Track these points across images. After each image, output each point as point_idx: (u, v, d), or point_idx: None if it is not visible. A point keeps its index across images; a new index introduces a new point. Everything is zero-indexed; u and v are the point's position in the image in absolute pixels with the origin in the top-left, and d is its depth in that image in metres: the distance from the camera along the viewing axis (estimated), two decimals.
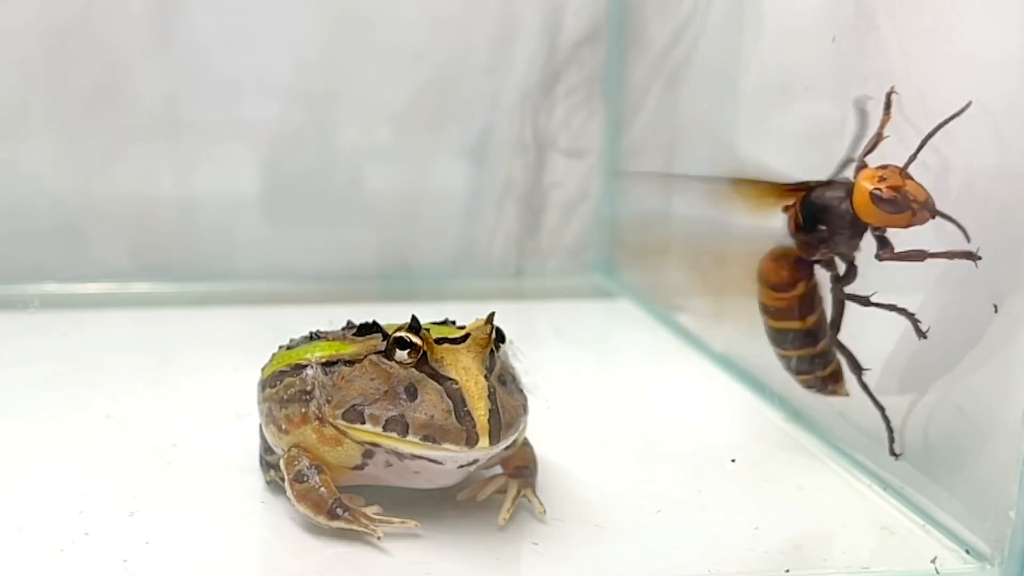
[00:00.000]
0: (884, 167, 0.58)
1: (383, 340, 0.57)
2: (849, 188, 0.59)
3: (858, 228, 0.60)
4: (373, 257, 1.08)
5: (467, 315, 0.60)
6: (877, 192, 0.57)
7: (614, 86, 1.09)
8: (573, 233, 1.13)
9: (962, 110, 0.56)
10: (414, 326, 0.56)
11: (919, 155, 0.57)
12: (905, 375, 0.64)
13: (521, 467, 0.61)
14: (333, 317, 0.65)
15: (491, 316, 0.57)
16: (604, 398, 0.83)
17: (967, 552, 0.58)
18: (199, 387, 0.79)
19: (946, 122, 0.56)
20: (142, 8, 1.00)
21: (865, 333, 0.68)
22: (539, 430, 0.64)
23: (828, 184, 0.62)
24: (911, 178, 0.57)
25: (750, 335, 0.82)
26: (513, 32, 1.07)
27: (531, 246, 1.12)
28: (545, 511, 0.59)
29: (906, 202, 0.56)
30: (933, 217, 0.56)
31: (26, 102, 0.99)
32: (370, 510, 0.57)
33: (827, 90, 0.73)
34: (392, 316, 0.61)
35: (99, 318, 0.97)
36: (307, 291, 1.04)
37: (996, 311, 0.56)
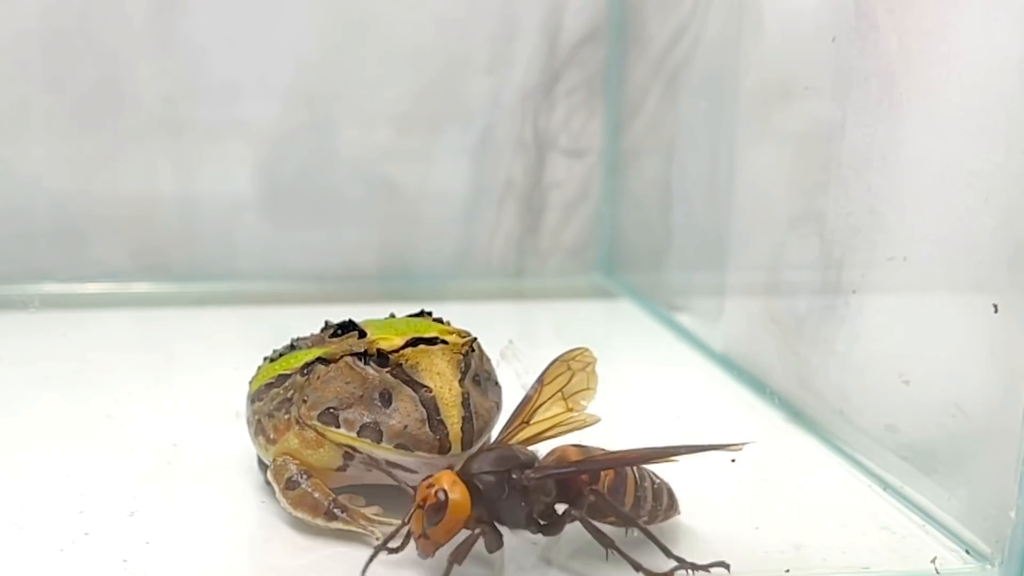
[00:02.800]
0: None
1: (360, 339, 0.57)
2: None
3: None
4: (373, 257, 1.08)
5: (467, 315, 0.60)
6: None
7: (614, 86, 1.09)
8: (573, 233, 1.13)
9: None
10: (383, 351, 0.55)
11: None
12: (905, 374, 0.64)
13: None
14: (333, 317, 0.65)
15: (473, 340, 0.58)
16: (604, 398, 0.83)
17: (967, 552, 0.58)
18: (199, 387, 0.79)
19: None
20: (142, 8, 1.00)
21: (867, 332, 0.68)
22: None
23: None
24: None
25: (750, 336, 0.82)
26: (513, 32, 1.07)
27: (531, 246, 1.12)
28: None
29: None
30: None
31: (26, 102, 0.99)
32: (369, 511, 0.57)
33: (827, 90, 0.73)
34: (393, 314, 0.61)
35: (99, 318, 0.97)
36: (307, 291, 1.04)
37: (996, 311, 0.56)
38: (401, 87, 1.06)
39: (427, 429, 0.54)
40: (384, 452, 0.55)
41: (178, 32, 1.01)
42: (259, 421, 0.60)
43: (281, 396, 0.59)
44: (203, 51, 1.01)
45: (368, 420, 0.55)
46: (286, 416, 0.58)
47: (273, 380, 0.60)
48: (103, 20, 0.99)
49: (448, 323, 0.62)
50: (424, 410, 0.54)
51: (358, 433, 0.55)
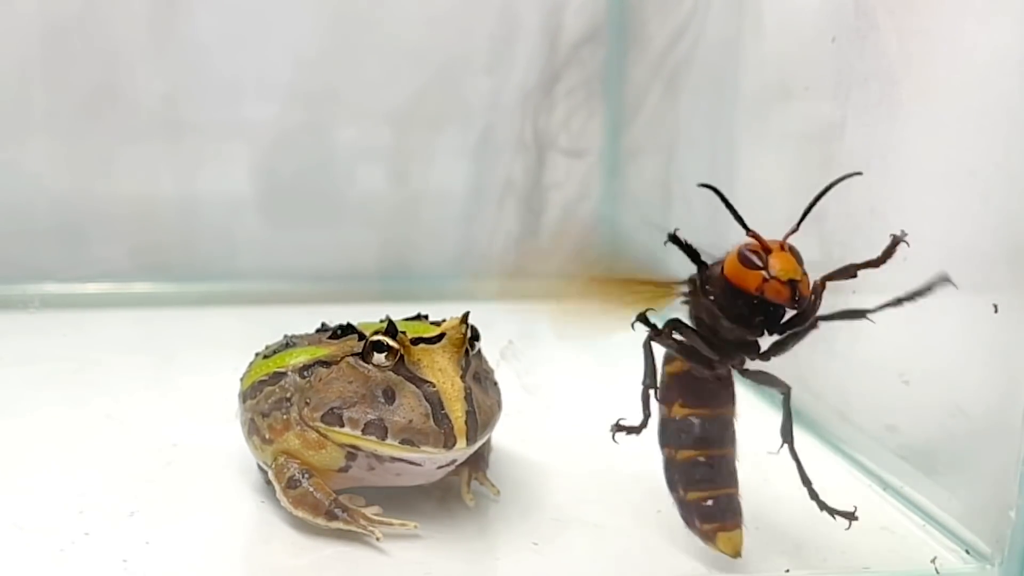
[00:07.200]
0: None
1: (359, 341, 0.57)
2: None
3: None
4: (373, 257, 1.08)
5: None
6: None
7: (614, 86, 1.09)
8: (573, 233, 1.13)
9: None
10: (390, 330, 0.56)
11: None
12: (905, 374, 0.64)
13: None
14: (333, 317, 0.65)
15: (466, 315, 0.57)
16: (604, 398, 0.83)
17: (967, 552, 0.58)
18: (199, 387, 0.79)
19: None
20: (142, 8, 1.00)
21: (867, 332, 0.68)
22: (539, 430, 0.64)
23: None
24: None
25: None
26: (513, 32, 1.07)
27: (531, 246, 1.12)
28: (499, 492, 0.61)
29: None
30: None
31: (26, 102, 0.99)
32: (370, 511, 0.57)
33: (827, 90, 0.73)
34: (391, 316, 0.61)
35: (99, 318, 0.97)
36: (307, 291, 1.03)
37: (996, 311, 0.56)
38: (401, 87, 1.06)
39: (432, 424, 0.54)
40: (389, 449, 0.55)
41: (178, 32, 1.01)
42: (252, 420, 0.60)
43: (277, 395, 0.59)
44: (203, 51, 1.01)
45: (372, 417, 0.55)
46: (284, 416, 0.58)
47: (267, 377, 0.60)
48: (103, 20, 0.99)
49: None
50: (428, 405, 0.54)
51: (362, 431, 0.55)
